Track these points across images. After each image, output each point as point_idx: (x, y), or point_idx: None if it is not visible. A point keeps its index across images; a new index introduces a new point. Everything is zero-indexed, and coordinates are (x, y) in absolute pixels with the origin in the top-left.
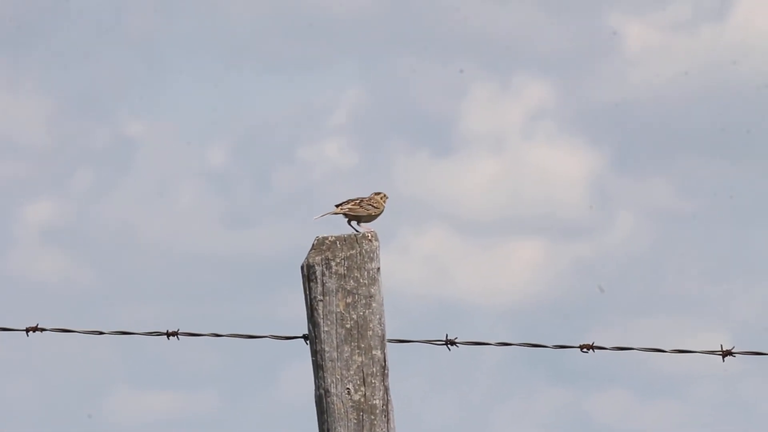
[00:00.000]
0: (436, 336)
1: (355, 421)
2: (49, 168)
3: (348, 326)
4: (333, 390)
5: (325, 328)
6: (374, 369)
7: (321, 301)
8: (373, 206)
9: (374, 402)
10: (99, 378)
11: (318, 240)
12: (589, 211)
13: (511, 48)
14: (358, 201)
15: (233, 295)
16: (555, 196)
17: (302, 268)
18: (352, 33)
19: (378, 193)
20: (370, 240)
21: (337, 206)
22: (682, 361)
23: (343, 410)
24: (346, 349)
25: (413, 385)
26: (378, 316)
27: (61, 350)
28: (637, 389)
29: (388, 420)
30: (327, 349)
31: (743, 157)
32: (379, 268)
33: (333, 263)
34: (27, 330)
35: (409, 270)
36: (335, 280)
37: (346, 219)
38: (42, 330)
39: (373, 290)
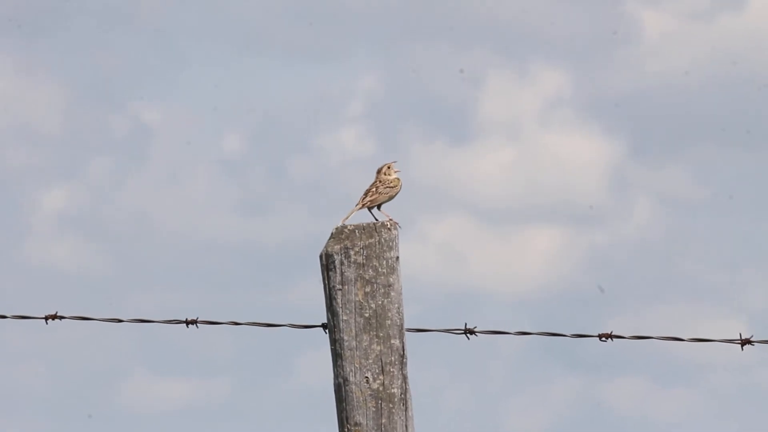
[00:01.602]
0: (454, 324)
1: (373, 410)
2: (65, 156)
3: (367, 315)
4: (352, 379)
5: (344, 317)
6: (393, 358)
7: (340, 290)
8: (390, 187)
9: (393, 390)
10: (118, 366)
11: (337, 229)
12: (606, 199)
13: (528, 35)
14: (374, 189)
15: (251, 284)
16: (572, 184)
17: (321, 257)
18: (368, 20)
19: (381, 168)
20: (389, 229)
21: (357, 204)
22: (700, 349)
23: (361, 399)
24: (364, 338)
25: (432, 373)
26: (396, 305)
27: (79, 338)
28: (654, 378)
29: (406, 408)
30: (346, 338)
31: (760, 145)
32: (398, 257)
33: (352, 252)
34: (46, 318)
35: (426, 258)
36: (354, 269)
37: (368, 208)
38: (61, 318)
39: (391, 279)
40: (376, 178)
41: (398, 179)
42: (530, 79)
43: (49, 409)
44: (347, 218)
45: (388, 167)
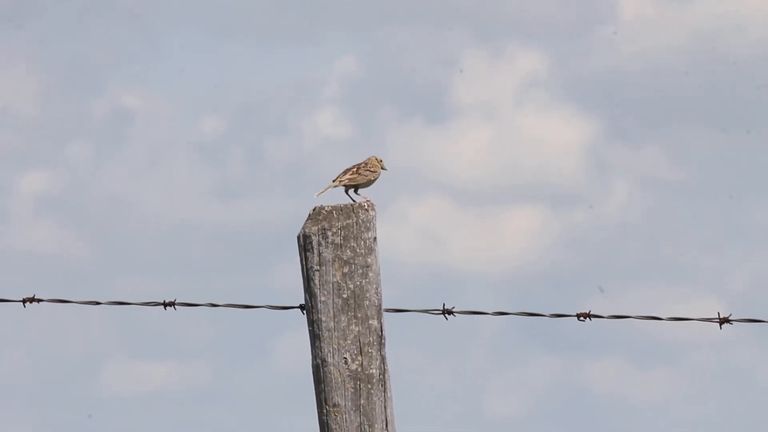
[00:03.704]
0: (432, 305)
1: (352, 390)
2: (43, 139)
3: (345, 296)
4: (330, 359)
5: (322, 298)
6: (371, 338)
7: (317, 271)
8: (370, 171)
9: (371, 371)
10: (96, 348)
11: (314, 210)
12: (584, 179)
13: (503, 17)
14: (355, 169)
15: (229, 266)
16: (549, 165)
17: (298, 238)
18: (343, 3)
19: (372, 157)
20: (366, 209)
21: (335, 180)
22: (678, 329)
23: (340, 380)
24: (342, 318)
25: (410, 354)
26: (375, 286)
27: (57, 321)
28: (633, 357)
29: (385, 389)
30: (324, 318)
31: (737, 126)
32: (375, 238)
33: (329, 233)
34: (24, 301)
35: (404, 239)
36: (332, 249)
37: (345, 188)
38: (39, 301)
39: (369, 260)
40: (364, 160)
41: (380, 169)
42: (506, 60)
43: (26, 391)
44: (323, 192)
45: (380, 160)
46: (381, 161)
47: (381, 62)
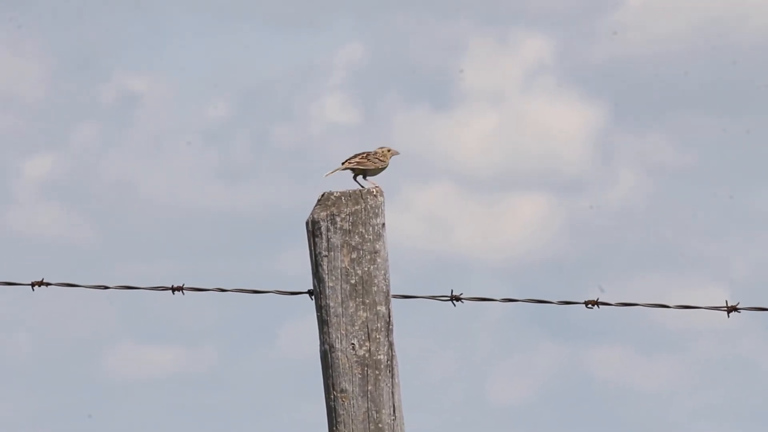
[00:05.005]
0: (440, 291)
1: (359, 376)
2: (49, 123)
3: (353, 282)
4: (338, 345)
5: (330, 284)
6: (379, 324)
7: (326, 256)
8: (379, 159)
9: (379, 357)
10: (104, 332)
11: (323, 195)
12: (591, 166)
13: (510, 2)
14: (364, 155)
15: (237, 251)
16: (555, 151)
17: (307, 223)
18: None
19: (382, 148)
20: (375, 195)
21: (344, 162)
22: (686, 316)
23: (347, 365)
24: (351, 304)
25: (418, 340)
26: (383, 272)
27: (65, 305)
28: (640, 345)
29: (392, 375)
30: (332, 304)
31: (742, 113)
32: (384, 224)
33: (338, 219)
34: (32, 284)
35: (411, 225)
36: (340, 235)
37: (353, 174)
38: (47, 284)
39: (377, 246)
40: (375, 149)
41: (388, 160)
42: (512, 47)
43: (33, 374)
44: (331, 173)
45: (389, 151)
46: (390, 151)
47: (387, 48)
